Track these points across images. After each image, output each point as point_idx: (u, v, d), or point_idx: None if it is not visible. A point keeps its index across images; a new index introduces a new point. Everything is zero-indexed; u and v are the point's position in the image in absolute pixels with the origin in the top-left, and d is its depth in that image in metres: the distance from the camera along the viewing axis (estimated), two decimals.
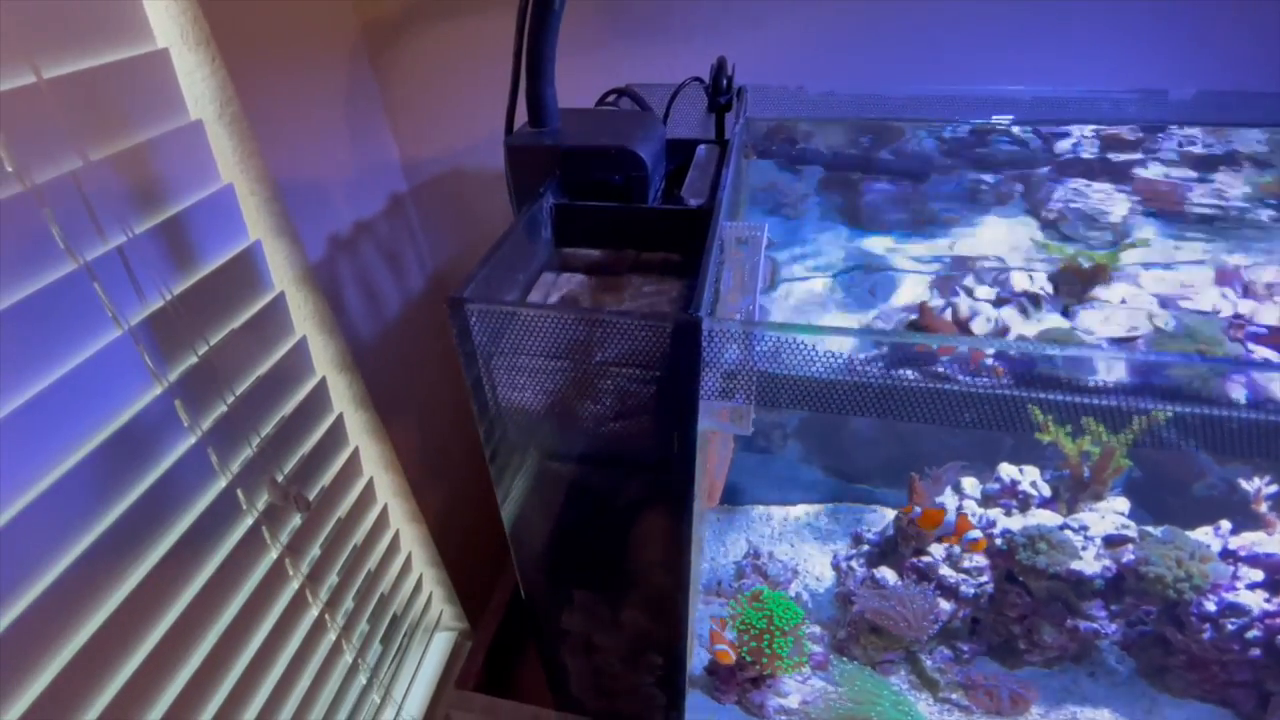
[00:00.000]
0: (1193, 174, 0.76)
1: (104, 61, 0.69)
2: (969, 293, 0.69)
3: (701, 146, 0.68)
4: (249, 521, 0.86)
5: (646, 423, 0.45)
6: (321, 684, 1.01)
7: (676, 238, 0.56)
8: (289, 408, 0.93)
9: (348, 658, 1.08)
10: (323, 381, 1.00)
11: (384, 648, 1.19)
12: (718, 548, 0.65)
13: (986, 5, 0.79)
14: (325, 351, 1.03)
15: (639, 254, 0.59)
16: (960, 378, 0.40)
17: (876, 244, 0.82)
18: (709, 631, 0.62)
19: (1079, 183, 0.78)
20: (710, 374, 0.41)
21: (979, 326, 0.65)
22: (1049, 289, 0.67)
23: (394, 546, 1.20)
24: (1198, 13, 0.76)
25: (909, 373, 0.42)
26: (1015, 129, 0.81)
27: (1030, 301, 0.65)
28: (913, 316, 0.68)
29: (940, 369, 0.44)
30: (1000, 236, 0.78)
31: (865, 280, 0.75)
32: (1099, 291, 0.66)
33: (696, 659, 0.66)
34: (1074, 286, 0.67)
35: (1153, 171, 0.77)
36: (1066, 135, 0.80)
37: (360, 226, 1.05)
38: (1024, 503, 0.60)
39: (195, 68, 0.78)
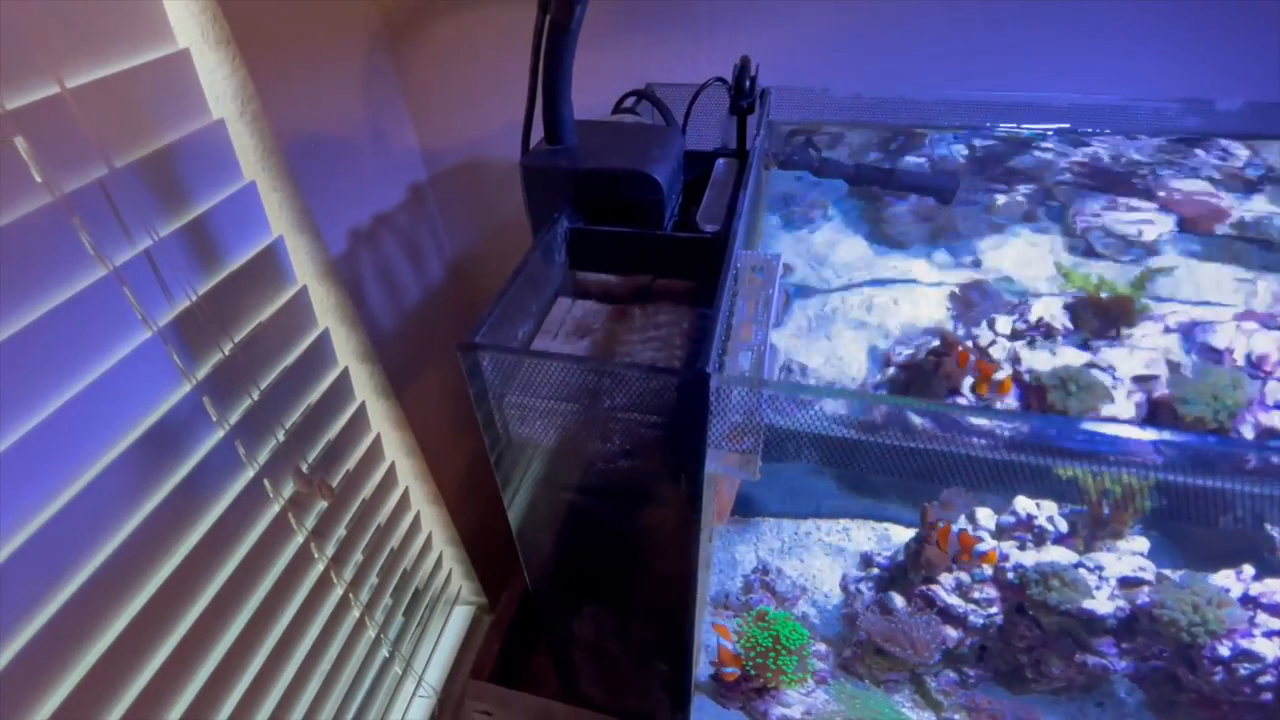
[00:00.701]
0: (1234, 192, 0.72)
1: (127, 66, 0.69)
2: (990, 323, 0.67)
3: (720, 161, 0.67)
4: (276, 509, 0.89)
5: (654, 463, 0.46)
6: (346, 658, 1.06)
7: (691, 265, 0.56)
8: (313, 397, 0.96)
9: (371, 633, 1.12)
10: (345, 371, 1.02)
11: (406, 620, 1.24)
12: (727, 560, 0.66)
13: (1025, 4, 0.74)
14: (347, 343, 1.04)
15: (654, 279, 0.58)
16: (970, 438, 0.40)
17: (898, 258, 0.80)
18: (717, 647, 0.64)
19: (1111, 197, 0.75)
20: (718, 423, 0.41)
21: (996, 355, 0.64)
22: (1068, 322, 0.65)
23: (415, 527, 1.24)
24: (1250, 19, 0.71)
25: (920, 419, 0.41)
26: (1049, 137, 0.77)
27: (1046, 335, 0.64)
28: (934, 342, 0.67)
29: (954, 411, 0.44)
30: (1025, 254, 0.76)
31: (883, 296, 0.74)
32: (1121, 324, 0.64)
33: (703, 667, 0.68)
34: (1094, 320, 0.65)
35: (1191, 186, 0.73)
36: (1102, 145, 0.76)
37: (380, 218, 1.05)
38: (1039, 537, 0.59)
39: (216, 67, 0.78)
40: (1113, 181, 0.75)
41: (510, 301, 0.48)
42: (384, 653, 1.17)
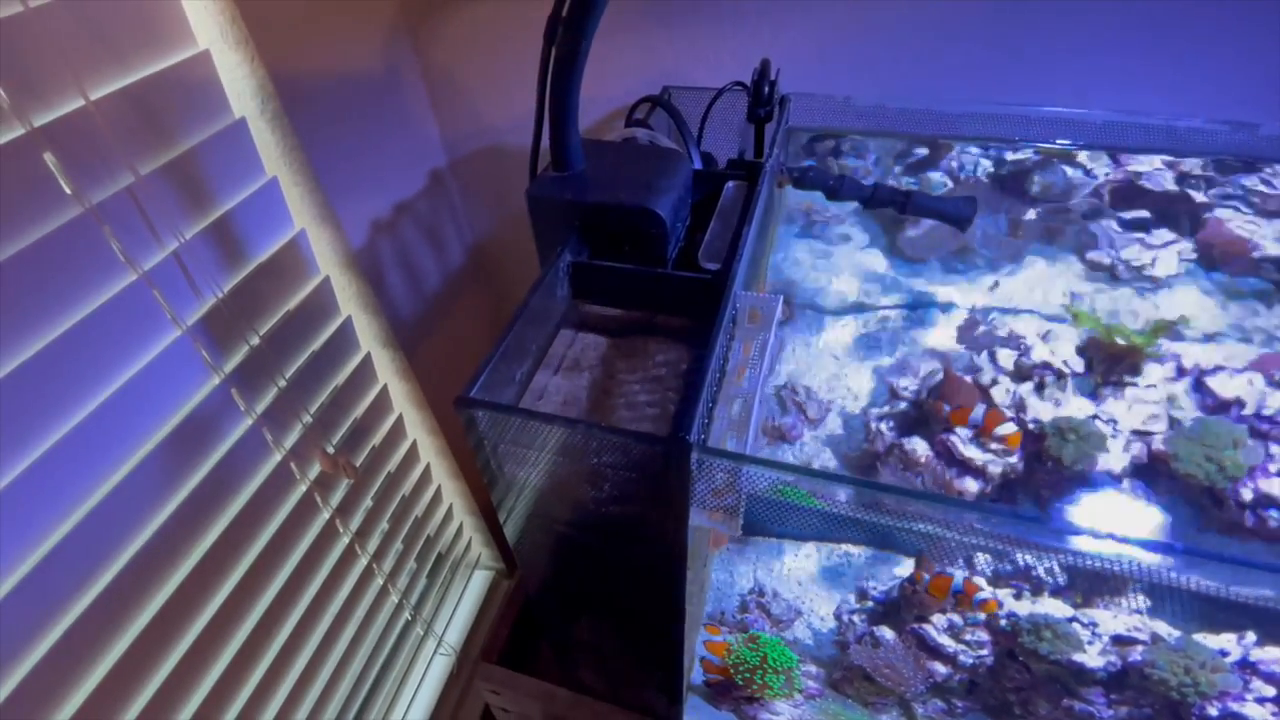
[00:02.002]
0: (1271, 224, 0.68)
1: (151, 71, 0.70)
2: (991, 355, 0.66)
3: (730, 185, 0.66)
4: (303, 489, 0.94)
5: (640, 509, 0.47)
6: (370, 623, 1.13)
7: (690, 304, 0.56)
8: (337, 382, 1.00)
9: (394, 599, 1.19)
10: (368, 357, 1.05)
11: (428, 585, 1.31)
12: (725, 579, 0.68)
13: (1065, 11, 0.69)
14: (369, 329, 1.07)
15: (654, 315, 0.59)
16: (959, 521, 0.40)
17: (912, 276, 0.78)
18: (704, 660, 0.67)
19: (1138, 223, 0.72)
20: (700, 484, 0.42)
21: (998, 396, 0.63)
22: (1077, 365, 0.64)
23: (436, 499, 1.29)
24: None
25: (893, 500, 0.41)
26: (1082, 154, 0.74)
27: (1055, 379, 0.63)
28: (939, 375, 0.66)
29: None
30: (1042, 280, 0.73)
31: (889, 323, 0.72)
32: (1127, 370, 0.62)
33: (696, 671, 0.71)
34: (1104, 365, 0.63)
35: (1225, 215, 0.69)
36: (1137, 165, 0.72)
37: (401, 206, 1.06)
38: (1037, 589, 0.60)
39: (236, 66, 0.79)
40: (1143, 205, 0.72)
41: (510, 345, 0.49)
42: (406, 616, 1.24)
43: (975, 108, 0.72)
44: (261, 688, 0.90)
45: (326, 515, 1.00)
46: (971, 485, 0.58)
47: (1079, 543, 0.38)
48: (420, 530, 1.25)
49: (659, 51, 0.84)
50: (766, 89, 0.75)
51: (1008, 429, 0.59)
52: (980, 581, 0.58)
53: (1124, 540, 0.35)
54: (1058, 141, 0.71)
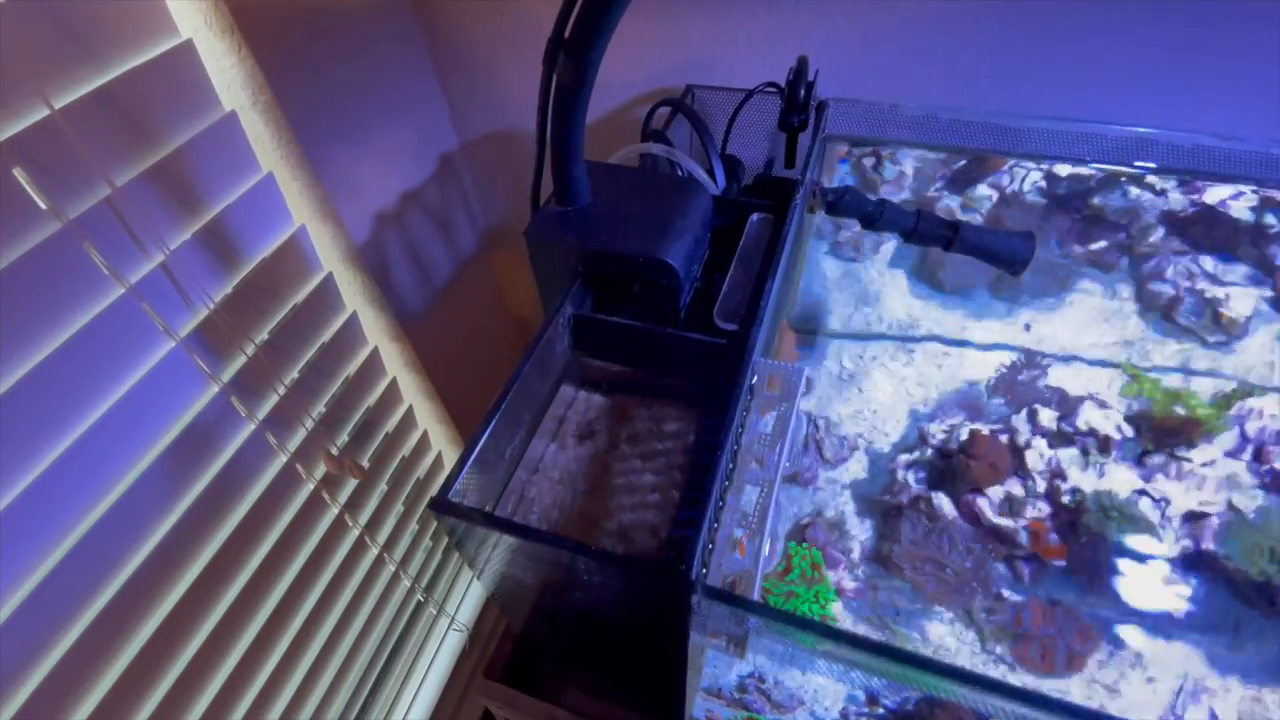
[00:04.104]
0: None
1: (128, 67, 0.65)
2: (1031, 414, 0.60)
3: (755, 218, 0.59)
4: (310, 488, 0.93)
5: (638, 620, 0.44)
6: (382, 608, 1.14)
7: (703, 369, 0.50)
8: (345, 377, 0.97)
9: (406, 583, 1.20)
10: (375, 351, 1.02)
11: (442, 563, 1.32)
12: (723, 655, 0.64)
13: (1156, 23, 0.58)
14: (377, 323, 1.04)
15: (662, 377, 0.54)
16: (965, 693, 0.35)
17: (949, 307, 0.71)
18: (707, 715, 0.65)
19: (1207, 259, 0.63)
20: (700, 615, 0.38)
21: (1032, 462, 0.58)
22: (1127, 430, 0.57)
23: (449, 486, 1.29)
24: None
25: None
26: (1153, 179, 0.65)
27: (1099, 446, 0.57)
28: (968, 425, 0.60)
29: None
30: (1095, 321, 0.66)
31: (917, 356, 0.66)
32: (1186, 441, 0.56)
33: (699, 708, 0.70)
34: (1158, 434, 0.57)
35: None
36: (1212, 192, 0.63)
37: (409, 194, 1.01)
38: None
39: (223, 55, 0.73)
40: (1218, 236, 0.63)
41: (499, 423, 0.45)
42: (418, 598, 1.26)
43: (1042, 123, 0.63)
44: (277, 673, 0.92)
45: (335, 511, 1.00)
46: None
47: None
48: (432, 519, 1.25)
49: (684, 32, 0.75)
50: (803, 92, 0.67)
51: (1051, 541, 0.53)
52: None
53: None
54: (1135, 164, 0.62)
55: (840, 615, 0.60)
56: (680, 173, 0.62)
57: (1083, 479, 0.55)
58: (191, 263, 0.73)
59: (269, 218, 0.83)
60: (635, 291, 0.52)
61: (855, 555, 0.63)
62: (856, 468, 0.66)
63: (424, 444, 1.18)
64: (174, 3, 0.68)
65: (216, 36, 0.72)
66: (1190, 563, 0.51)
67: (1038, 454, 0.57)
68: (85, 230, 0.64)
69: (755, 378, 0.46)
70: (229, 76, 0.75)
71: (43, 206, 0.61)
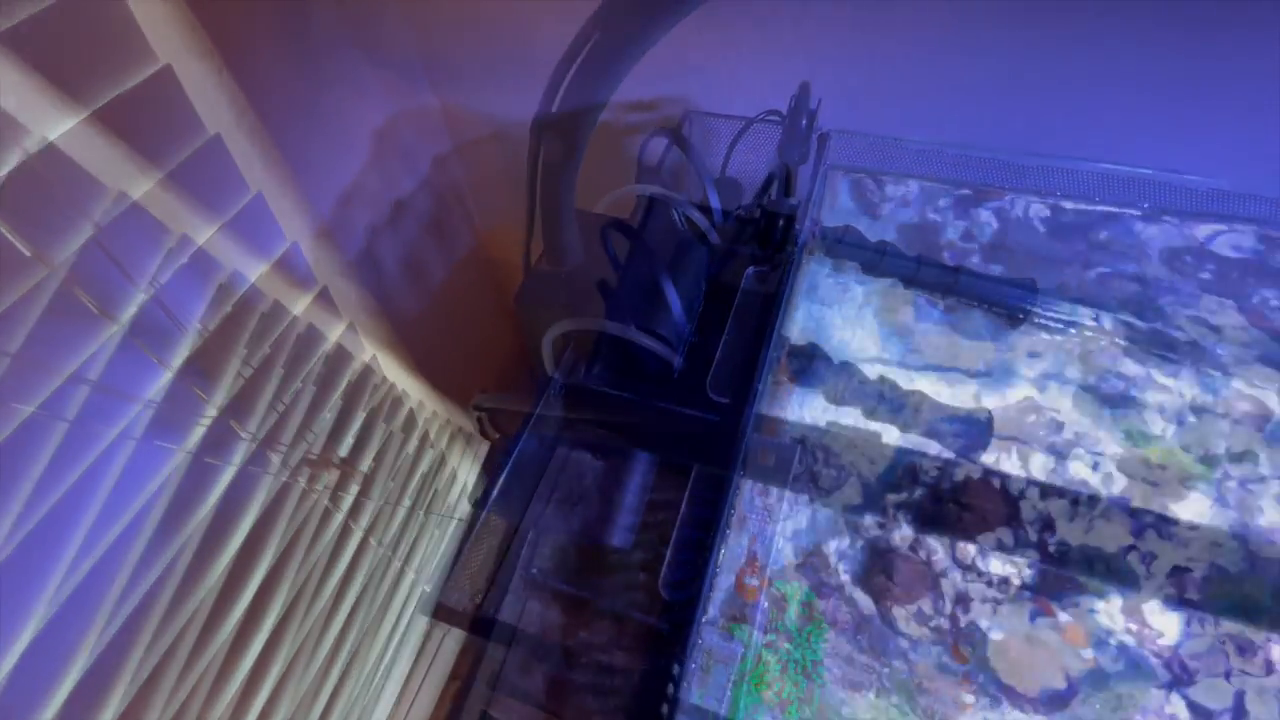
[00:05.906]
0: None
1: (108, 98, 0.63)
2: (1022, 457, 0.60)
3: (750, 272, 0.57)
4: (313, 499, 0.95)
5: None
6: (389, 602, 1.18)
7: (695, 442, 0.49)
8: (344, 387, 0.98)
9: (411, 577, 1.24)
10: (373, 359, 1.02)
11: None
12: None
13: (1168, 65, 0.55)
14: (376, 331, 1.04)
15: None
16: None
17: (945, 331, 0.68)
18: None
19: (1209, 299, 0.61)
20: None
21: (1025, 512, 0.58)
22: (1118, 484, 0.57)
23: (452, 479, 1.31)
24: None
25: None
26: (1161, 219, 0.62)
27: (1088, 501, 0.57)
28: (960, 466, 0.60)
29: None
30: (1090, 355, 0.64)
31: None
32: (1174, 496, 0.55)
33: None
34: (1149, 488, 0.56)
35: None
36: (1223, 238, 0.61)
37: (401, 202, 0.99)
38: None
39: (204, 78, 0.71)
40: (1224, 273, 0.62)
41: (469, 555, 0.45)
42: (423, 589, 1.30)
43: (1050, 161, 0.61)
44: (285, 675, 0.96)
45: (340, 518, 1.02)
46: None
47: None
48: (438, 508, 1.27)
49: (684, 56, 0.72)
50: (804, 122, 0.64)
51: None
52: None
53: None
54: (1144, 207, 0.60)
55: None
56: (675, 214, 0.60)
57: (1069, 531, 0.55)
58: (185, 290, 0.73)
59: (261, 236, 0.82)
60: (627, 359, 0.51)
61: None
62: (851, 496, 0.66)
63: (425, 442, 1.19)
64: (150, 29, 0.65)
65: (196, 59, 0.69)
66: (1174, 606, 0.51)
67: (1031, 505, 0.58)
68: (74, 272, 0.63)
69: (749, 450, 0.46)
70: (211, 99, 0.72)
71: (27, 254, 0.61)
